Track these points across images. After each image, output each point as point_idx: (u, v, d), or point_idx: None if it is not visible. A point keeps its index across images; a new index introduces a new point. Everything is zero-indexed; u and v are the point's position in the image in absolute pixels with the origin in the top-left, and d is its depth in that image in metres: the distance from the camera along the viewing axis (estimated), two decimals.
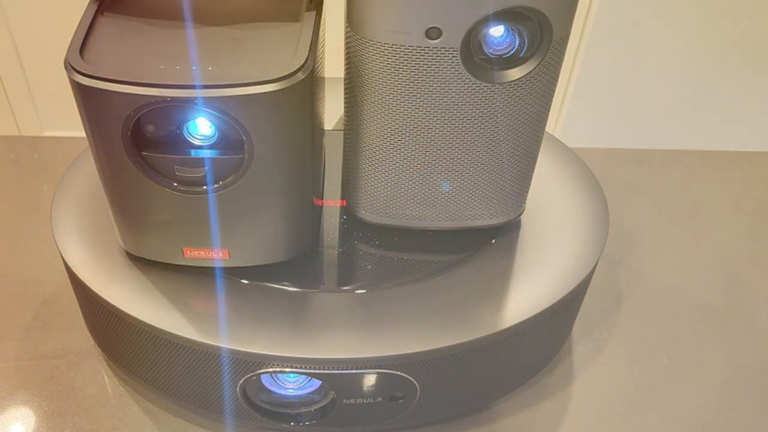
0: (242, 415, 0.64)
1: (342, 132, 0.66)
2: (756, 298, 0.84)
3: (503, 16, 0.54)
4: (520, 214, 0.70)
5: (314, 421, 0.64)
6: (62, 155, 1.00)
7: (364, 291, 0.64)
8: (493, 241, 0.69)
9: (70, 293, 0.72)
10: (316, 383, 0.63)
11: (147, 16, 0.56)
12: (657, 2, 1.78)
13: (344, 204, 0.72)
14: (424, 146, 0.61)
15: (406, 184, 0.64)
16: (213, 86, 0.51)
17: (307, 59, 0.53)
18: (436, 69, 0.56)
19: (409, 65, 0.56)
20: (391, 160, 0.63)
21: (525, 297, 0.64)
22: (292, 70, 0.52)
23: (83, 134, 0.56)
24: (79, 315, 0.74)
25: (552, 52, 0.57)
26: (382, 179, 0.64)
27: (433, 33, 0.54)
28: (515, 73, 0.58)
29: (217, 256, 0.62)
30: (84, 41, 0.53)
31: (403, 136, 0.61)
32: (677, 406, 0.71)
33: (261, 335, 0.59)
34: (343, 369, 0.59)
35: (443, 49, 0.55)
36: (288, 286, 0.63)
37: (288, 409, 0.64)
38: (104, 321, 0.64)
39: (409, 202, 0.66)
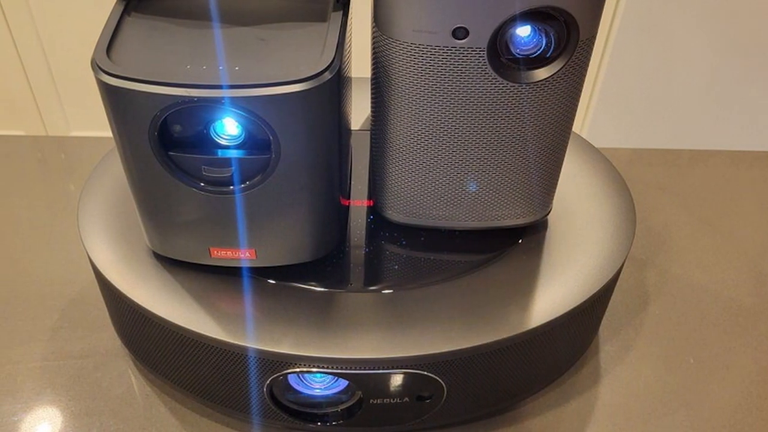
0: (269, 415, 0.64)
1: (369, 132, 0.66)
2: None
3: (530, 16, 0.54)
4: (547, 214, 0.70)
5: (341, 422, 0.64)
6: (89, 155, 1.00)
7: (391, 291, 0.63)
8: (520, 241, 0.69)
9: (97, 293, 0.72)
10: (343, 383, 0.63)
11: (173, 16, 0.56)
12: (684, 2, 1.77)
13: (371, 204, 0.72)
14: (451, 146, 0.61)
15: (433, 184, 0.64)
16: (240, 86, 0.51)
17: (334, 59, 0.53)
18: (463, 69, 0.56)
19: (436, 65, 0.56)
20: (418, 160, 0.62)
21: (552, 297, 0.64)
22: (319, 70, 0.52)
23: (110, 134, 0.56)
24: (105, 315, 0.74)
25: (579, 52, 0.57)
26: (409, 179, 0.64)
27: (460, 33, 0.54)
28: (542, 73, 0.57)
29: (243, 256, 0.62)
30: (111, 41, 0.53)
31: (430, 136, 0.61)
32: (705, 406, 0.71)
33: (288, 335, 0.59)
34: (370, 369, 0.59)
35: (470, 49, 0.55)
36: (315, 286, 0.63)
37: (315, 409, 0.64)
38: (131, 321, 0.65)
39: (436, 202, 0.66)
